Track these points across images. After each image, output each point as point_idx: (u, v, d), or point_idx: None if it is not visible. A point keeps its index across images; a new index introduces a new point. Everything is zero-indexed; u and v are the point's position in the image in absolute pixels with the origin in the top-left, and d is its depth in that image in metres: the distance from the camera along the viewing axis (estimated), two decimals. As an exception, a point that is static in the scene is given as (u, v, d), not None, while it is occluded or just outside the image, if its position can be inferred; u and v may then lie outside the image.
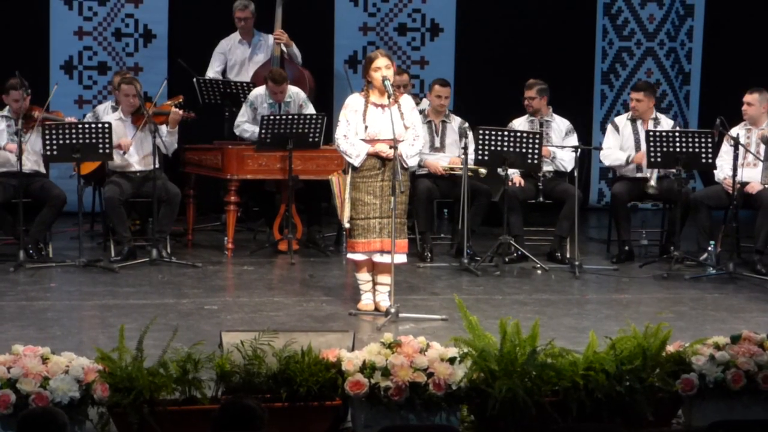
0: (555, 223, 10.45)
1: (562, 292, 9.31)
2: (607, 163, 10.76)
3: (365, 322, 8.26)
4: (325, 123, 10.23)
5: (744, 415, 6.04)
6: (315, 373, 5.86)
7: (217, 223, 11.68)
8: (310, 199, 10.80)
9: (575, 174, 10.27)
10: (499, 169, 10.09)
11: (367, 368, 5.86)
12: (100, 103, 11.93)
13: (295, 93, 10.86)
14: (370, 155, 8.27)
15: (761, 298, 9.06)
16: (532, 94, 10.61)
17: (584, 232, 11.72)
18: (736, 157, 9.70)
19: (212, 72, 11.77)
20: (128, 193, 10.27)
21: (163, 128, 10.23)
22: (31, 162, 10.10)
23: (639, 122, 10.56)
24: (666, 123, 10.62)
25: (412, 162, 8.49)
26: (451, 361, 5.91)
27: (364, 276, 8.48)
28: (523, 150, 9.86)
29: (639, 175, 10.42)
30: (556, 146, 10.49)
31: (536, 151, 9.87)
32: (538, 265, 9.96)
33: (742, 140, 9.93)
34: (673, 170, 9.96)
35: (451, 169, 10.40)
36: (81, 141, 9.72)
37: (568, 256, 10.21)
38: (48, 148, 9.73)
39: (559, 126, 10.64)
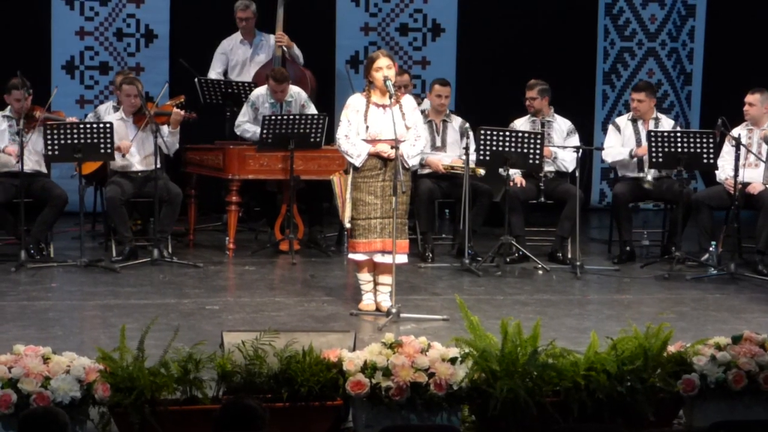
0: (556, 223, 10.45)
1: (563, 292, 9.31)
2: (609, 160, 10.73)
3: (366, 322, 8.26)
4: (327, 123, 10.23)
5: (745, 416, 6.04)
6: (316, 373, 5.86)
7: (219, 223, 11.67)
8: (311, 200, 10.80)
9: (577, 174, 10.28)
10: (501, 170, 10.09)
11: (368, 368, 5.86)
12: (101, 103, 11.94)
13: (296, 93, 10.86)
14: (371, 155, 8.27)
15: (762, 299, 9.05)
16: (533, 95, 10.61)
17: (585, 233, 11.72)
18: (737, 158, 9.70)
19: (214, 74, 11.76)
20: (129, 193, 10.27)
21: (165, 128, 10.23)
22: (33, 162, 10.10)
23: (640, 122, 10.56)
24: (667, 123, 10.62)
25: (413, 162, 8.49)
26: (453, 361, 5.91)
27: (365, 276, 8.49)
28: (525, 150, 9.86)
29: (641, 175, 10.41)
30: (558, 146, 10.49)
31: (538, 152, 9.87)
32: (540, 266, 9.96)
33: (743, 141, 9.93)
34: (674, 171, 9.98)
35: (452, 167, 10.40)
36: (82, 141, 9.72)
37: (569, 256, 10.21)
38: (49, 148, 9.74)
39: (561, 126, 10.64)
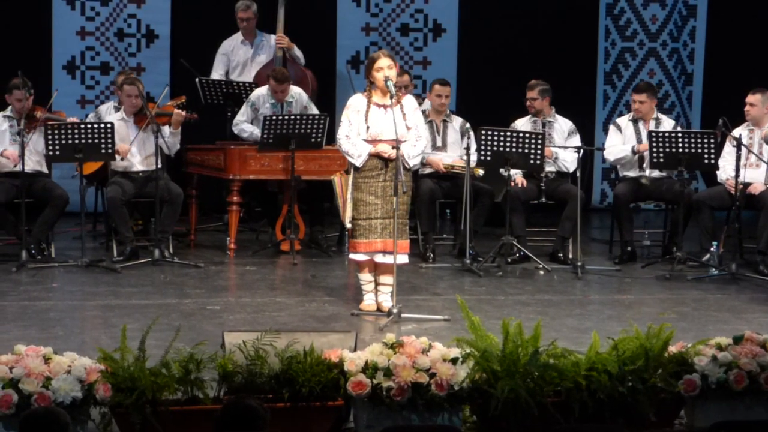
0: (557, 223, 10.44)
1: (564, 292, 9.31)
2: (611, 158, 10.70)
3: (367, 323, 8.26)
4: (328, 123, 10.23)
5: (746, 416, 6.04)
6: (317, 373, 5.86)
7: (220, 223, 11.68)
8: (312, 200, 10.80)
9: (578, 174, 10.28)
10: (502, 170, 10.09)
11: (369, 368, 5.86)
12: (102, 103, 11.94)
13: (297, 94, 10.86)
14: (372, 155, 8.27)
15: (764, 299, 9.05)
16: (534, 95, 10.61)
17: (587, 233, 11.72)
18: (738, 158, 9.70)
19: (216, 75, 11.74)
20: (130, 194, 10.27)
21: (166, 129, 10.23)
22: (34, 162, 10.11)
23: (641, 123, 10.56)
24: (667, 123, 10.62)
25: (414, 162, 8.49)
26: (454, 361, 5.91)
27: (366, 276, 8.49)
28: (526, 150, 9.86)
29: (642, 173, 10.40)
30: (559, 147, 10.49)
31: (539, 152, 9.87)
32: (541, 266, 9.96)
33: (744, 141, 9.93)
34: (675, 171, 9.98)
35: (452, 167, 10.40)
36: (83, 141, 9.72)
37: (570, 256, 10.21)
38: (50, 148, 9.74)
39: (562, 126, 10.64)
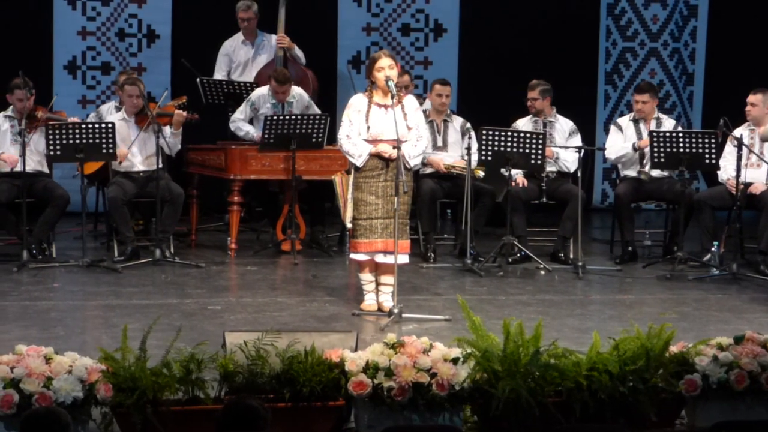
0: (558, 223, 10.44)
1: (565, 292, 9.30)
2: (613, 157, 10.67)
3: (368, 323, 8.26)
4: (329, 123, 10.23)
5: (747, 416, 6.04)
6: (318, 373, 5.86)
7: (221, 223, 11.68)
8: (313, 200, 10.80)
9: (579, 174, 10.28)
10: (503, 170, 10.09)
11: (370, 368, 5.86)
12: (103, 103, 11.95)
13: (298, 94, 10.86)
14: (372, 155, 8.27)
15: (765, 299, 9.05)
16: (534, 95, 10.61)
17: (587, 233, 11.71)
18: (739, 158, 9.70)
19: (219, 76, 11.75)
20: (131, 193, 10.27)
21: (167, 129, 10.23)
22: (35, 162, 10.11)
23: (642, 123, 10.56)
24: (668, 123, 10.62)
25: (414, 162, 8.48)
26: (455, 361, 5.91)
27: (367, 276, 8.49)
28: (527, 150, 9.86)
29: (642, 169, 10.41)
30: (560, 147, 10.49)
31: (539, 152, 9.87)
32: (542, 266, 9.96)
33: (745, 141, 9.93)
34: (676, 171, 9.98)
35: (452, 167, 10.40)
36: (84, 141, 9.73)
37: (571, 256, 10.21)
38: (51, 148, 9.74)
39: (563, 126, 10.64)
